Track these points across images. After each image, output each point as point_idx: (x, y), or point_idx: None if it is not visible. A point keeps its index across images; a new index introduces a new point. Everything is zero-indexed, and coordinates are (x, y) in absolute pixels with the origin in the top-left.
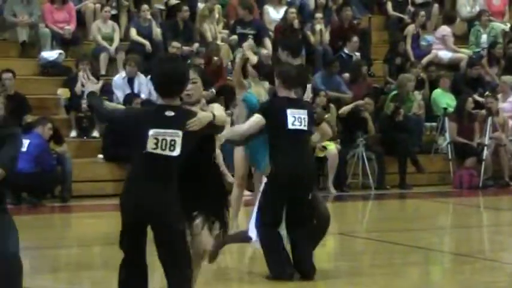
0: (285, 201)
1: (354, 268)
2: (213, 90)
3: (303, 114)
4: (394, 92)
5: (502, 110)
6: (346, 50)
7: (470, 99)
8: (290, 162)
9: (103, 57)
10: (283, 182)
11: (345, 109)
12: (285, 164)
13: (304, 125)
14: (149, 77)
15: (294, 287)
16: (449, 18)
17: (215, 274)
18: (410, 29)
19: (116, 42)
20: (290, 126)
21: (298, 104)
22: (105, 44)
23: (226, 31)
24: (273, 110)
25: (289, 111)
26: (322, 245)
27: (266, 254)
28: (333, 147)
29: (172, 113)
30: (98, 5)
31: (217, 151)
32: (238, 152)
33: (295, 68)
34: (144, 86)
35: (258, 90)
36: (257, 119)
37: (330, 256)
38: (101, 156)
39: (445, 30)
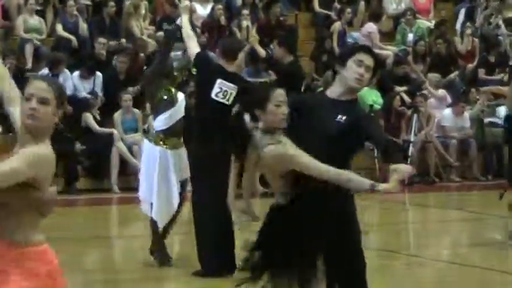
0: None
1: None
2: (139, 87)
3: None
4: (320, 89)
5: (428, 107)
6: (272, 47)
7: (397, 96)
8: None
9: (28, 50)
10: None
11: None
12: None
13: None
14: (76, 72)
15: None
16: (375, 16)
17: None
18: (337, 26)
19: (43, 37)
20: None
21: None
22: (31, 36)
23: (153, 27)
24: None
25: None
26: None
27: None
28: None
29: None
30: (22, 0)
31: None
32: None
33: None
34: (69, 82)
35: None
36: None
37: None
38: None
39: (371, 27)
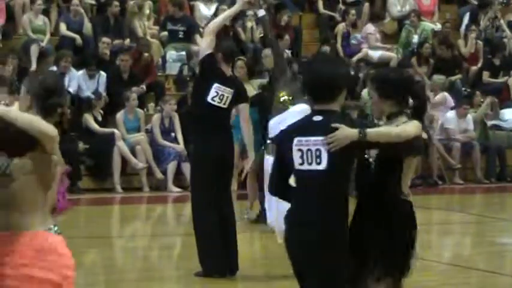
0: None
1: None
2: (143, 86)
3: None
4: None
5: (431, 109)
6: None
7: None
8: None
9: (33, 50)
10: None
11: None
12: None
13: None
14: (81, 71)
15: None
16: (376, 17)
17: None
18: (341, 27)
19: (48, 36)
20: None
21: None
22: (35, 36)
23: (157, 27)
24: None
25: None
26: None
27: None
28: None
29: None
30: None
31: None
32: None
33: None
34: (74, 81)
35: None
36: None
37: (259, 254)
38: None
39: (369, 28)
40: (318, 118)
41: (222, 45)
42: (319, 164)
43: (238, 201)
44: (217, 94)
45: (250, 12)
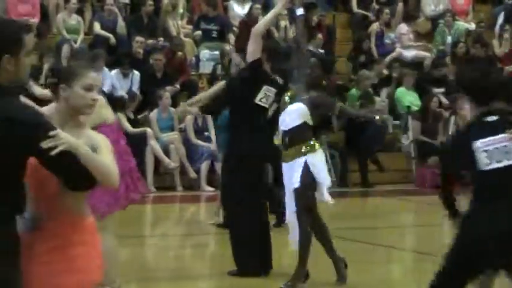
0: None
1: (315, 266)
2: (177, 85)
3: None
4: (354, 89)
5: (464, 109)
6: (310, 47)
7: (435, 98)
8: None
9: (65, 50)
10: None
11: None
12: None
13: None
14: (114, 71)
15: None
16: (409, 17)
17: None
18: (375, 26)
19: (81, 36)
20: None
21: None
22: (69, 36)
23: (190, 26)
24: None
25: None
26: (282, 243)
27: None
28: None
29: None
30: None
31: None
32: None
33: None
34: (108, 80)
35: None
36: None
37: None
38: None
39: (402, 28)
40: (492, 118)
41: (267, 45)
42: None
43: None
44: (265, 95)
45: (283, 11)
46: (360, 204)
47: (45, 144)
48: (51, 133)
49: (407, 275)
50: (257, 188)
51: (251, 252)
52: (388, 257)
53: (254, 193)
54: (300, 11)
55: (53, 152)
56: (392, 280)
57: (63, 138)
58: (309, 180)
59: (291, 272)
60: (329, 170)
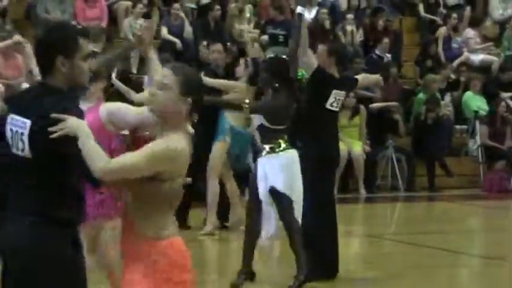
0: None
1: (382, 270)
2: None
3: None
4: (421, 93)
5: None
6: (377, 51)
7: (503, 102)
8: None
9: (134, 55)
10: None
11: (375, 106)
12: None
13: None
14: None
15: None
16: (476, 21)
17: None
18: (442, 31)
19: None
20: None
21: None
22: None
23: (257, 31)
24: None
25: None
26: (349, 247)
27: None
28: (358, 148)
29: None
30: (130, 3)
31: None
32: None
33: None
34: None
35: None
36: None
37: (358, 258)
38: None
39: (469, 32)
40: None
41: (334, 48)
42: None
43: None
44: (335, 99)
45: (350, 16)
46: (427, 208)
47: (51, 128)
48: (58, 116)
49: (474, 280)
50: (327, 191)
51: (320, 256)
52: (455, 262)
53: (325, 197)
54: (299, 9)
55: (54, 135)
56: (459, 285)
57: (68, 123)
58: None
59: (356, 276)
60: (395, 174)
